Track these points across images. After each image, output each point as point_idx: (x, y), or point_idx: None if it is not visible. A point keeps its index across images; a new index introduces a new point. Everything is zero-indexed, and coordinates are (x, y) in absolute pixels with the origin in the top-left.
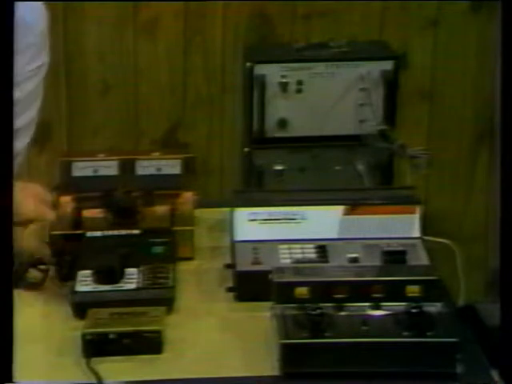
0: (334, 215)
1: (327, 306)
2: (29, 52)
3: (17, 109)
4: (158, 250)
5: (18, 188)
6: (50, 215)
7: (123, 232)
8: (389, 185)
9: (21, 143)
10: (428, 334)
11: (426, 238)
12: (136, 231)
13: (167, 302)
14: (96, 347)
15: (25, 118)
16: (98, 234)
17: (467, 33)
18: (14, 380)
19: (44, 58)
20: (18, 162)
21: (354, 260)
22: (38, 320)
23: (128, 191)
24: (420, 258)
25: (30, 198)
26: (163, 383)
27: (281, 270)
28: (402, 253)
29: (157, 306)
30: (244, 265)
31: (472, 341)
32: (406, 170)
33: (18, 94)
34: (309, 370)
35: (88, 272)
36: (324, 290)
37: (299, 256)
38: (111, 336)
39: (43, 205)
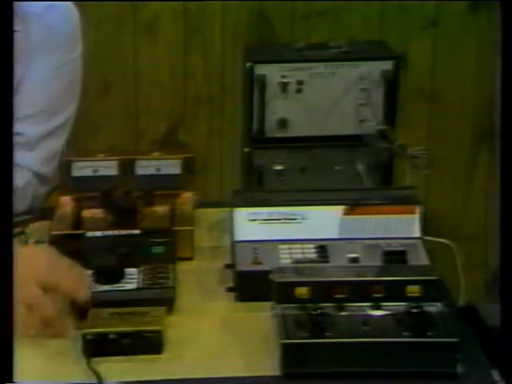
0: (334, 215)
1: (328, 305)
2: (60, 49)
3: (52, 108)
4: (158, 249)
5: (31, 253)
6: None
7: (123, 232)
8: (389, 185)
9: (55, 144)
10: (428, 333)
11: (426, 238)
12: (136, 231)
13: (167, 301)
14: (96, 347)
15: (60, 118)
16: (98, 233)
17: (466, 33)
18: (14, 380)
19: (77, 51)
20: (53, 165)
21: (354, 260)
22: None
23: (128, 191)
24: (420, 258)
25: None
26: (163, 383)
27: (281, 269)
28: (402, 253)
29: (157, 305)
30: (244, 265)
31: (472, 341)
32: (406, 169)
33: (49, 94)
34: (309, 370)
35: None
36: (324, 290)
37: (299, 256)
38: (111, 336)
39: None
